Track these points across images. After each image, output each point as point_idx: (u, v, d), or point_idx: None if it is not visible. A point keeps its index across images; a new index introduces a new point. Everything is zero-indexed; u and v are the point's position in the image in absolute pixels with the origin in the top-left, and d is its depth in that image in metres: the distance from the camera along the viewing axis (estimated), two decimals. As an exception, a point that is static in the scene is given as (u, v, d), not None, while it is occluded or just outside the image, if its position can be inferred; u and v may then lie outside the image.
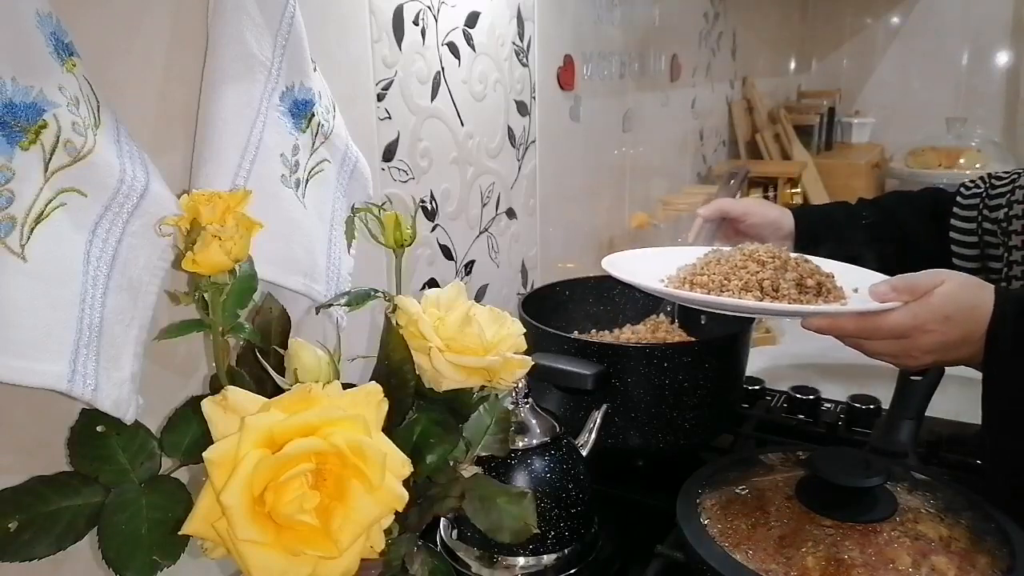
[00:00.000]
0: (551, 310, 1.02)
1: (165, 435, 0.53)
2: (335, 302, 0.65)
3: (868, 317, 0.72)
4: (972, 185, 0.99)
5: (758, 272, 0.78)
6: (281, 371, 0.54)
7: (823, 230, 1.01)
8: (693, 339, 1.01)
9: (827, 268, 0.82)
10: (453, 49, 0.99)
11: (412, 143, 0.94)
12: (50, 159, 0.49)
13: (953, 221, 0.97)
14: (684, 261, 0.88)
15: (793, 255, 0.82)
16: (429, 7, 0.94)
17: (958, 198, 0.98)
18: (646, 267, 0.88)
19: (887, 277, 0.75)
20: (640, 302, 1.07)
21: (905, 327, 0.70)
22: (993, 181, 0.95)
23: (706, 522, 0.66)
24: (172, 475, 0.53)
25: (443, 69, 0.98)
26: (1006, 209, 0.89)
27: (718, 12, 1.94)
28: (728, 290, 0.77)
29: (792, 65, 2.70)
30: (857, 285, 0.80)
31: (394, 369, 0.56)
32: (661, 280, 0.85)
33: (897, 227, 1.01)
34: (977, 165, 2.30)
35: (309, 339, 0.55)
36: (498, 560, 0.73)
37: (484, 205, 1.11)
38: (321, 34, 0.78)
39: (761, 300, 0.76)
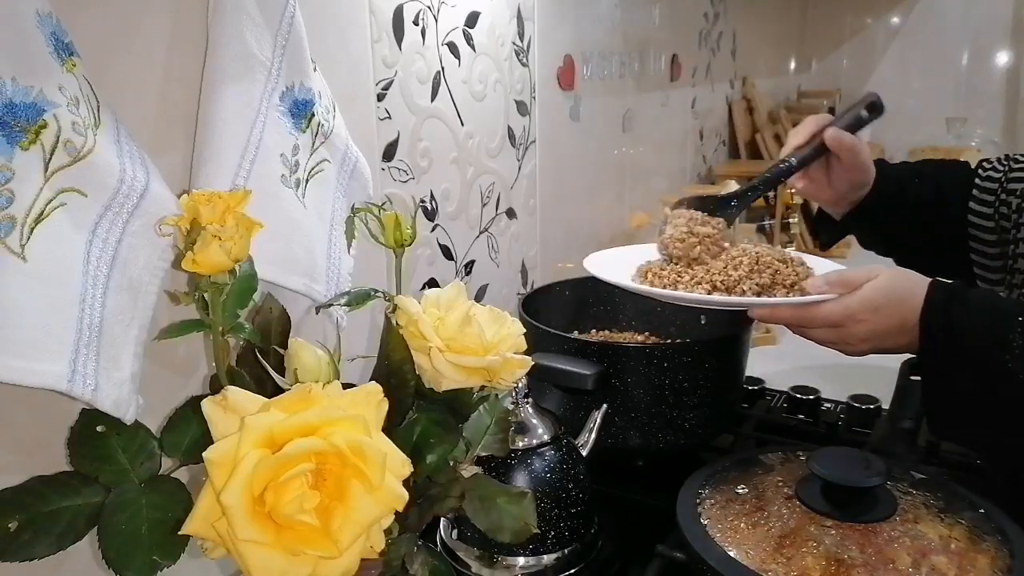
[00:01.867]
0: (551, 310, 1.02)
1: (165, 435, 0.53)
2: (335, 302, 0.65)
3: (803, 308, 0.77)
4: (989, 166, 0.95)
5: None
6: (281, 371, 0.54)
7: (894, 185, 0.97)
8: (691, 339, 1.01)
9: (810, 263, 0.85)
10: (453, 49, 0.99)
11: (412, 143, 0.94)
12: (50, 159, 0.49)
13: (971, 204, 0.94)
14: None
15: (766, 247, 0.84)
16: (429, 7, 0.94)
17: (976, 179, 0.95)
18: (625, 264, 0.90)
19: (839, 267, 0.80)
20: (640, 302, 1.07)
21: (837, 316, 0.75)
22: (1012, 164, 0.93)
23: (706, 522, 0.66)
24: (172, 475, 0.53)
25: (443, 69, 0.98)
26: (1020, 200, 0.87)
27: (718, 12, 1.94)
28: (683, 284, 0.81)
29: (792, 65, 2.70)
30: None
31: (394, 369, 0.56)
32: (634, 277, 0.87)
33: (934, 188, 0.98)
34: (977, 165, 2.29)
35: (309, 339, 0.55)
36: (498, 560, 0.73)
37: (484, 205, 1.11)
38: (321, 34, 0.78)
39: (710, 294, 0.79)
